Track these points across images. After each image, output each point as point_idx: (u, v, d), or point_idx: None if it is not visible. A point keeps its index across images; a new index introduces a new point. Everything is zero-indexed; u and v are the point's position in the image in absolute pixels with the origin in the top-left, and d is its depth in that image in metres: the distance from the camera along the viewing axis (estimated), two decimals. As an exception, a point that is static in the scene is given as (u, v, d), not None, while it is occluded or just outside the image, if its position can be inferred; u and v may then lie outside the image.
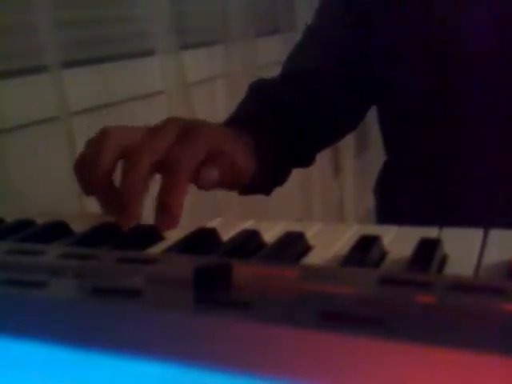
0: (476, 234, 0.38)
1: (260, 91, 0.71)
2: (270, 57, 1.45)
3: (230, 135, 0.57)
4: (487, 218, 0.64)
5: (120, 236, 0.45)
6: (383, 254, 0.38)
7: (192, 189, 0.52)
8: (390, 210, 0.77)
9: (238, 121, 0.65)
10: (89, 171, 0.48)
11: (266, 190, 0.69)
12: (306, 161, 0.73)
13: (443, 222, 0.41)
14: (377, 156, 0.81)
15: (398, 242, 0.39)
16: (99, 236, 0.44)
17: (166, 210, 0.46)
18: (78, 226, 0.48)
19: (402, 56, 0.67)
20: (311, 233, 0.42)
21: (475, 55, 0.62)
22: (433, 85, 0.65)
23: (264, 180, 0.65)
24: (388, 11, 0.67)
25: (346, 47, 0.72)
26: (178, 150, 0.48)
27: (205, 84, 1.25)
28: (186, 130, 0.51)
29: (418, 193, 0.71)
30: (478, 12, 0.62)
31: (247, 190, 0.66)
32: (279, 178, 0.70)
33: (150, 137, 0.49)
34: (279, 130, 0.66)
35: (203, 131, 0.52)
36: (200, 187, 0.50)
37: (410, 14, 0.66)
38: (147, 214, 0.50)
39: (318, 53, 0.73)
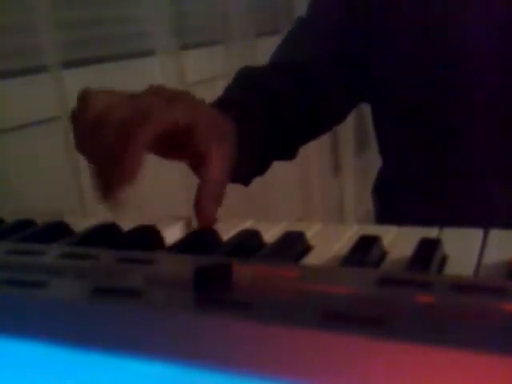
0: (476, 233, 0.38)
1: (247, 78, 0.69)
2: (269, 57, 1.45)
3: (213, 112, 0.53)
4: (487, 218, 0.64)
5: (120, 236, 0.45)
6: (383, 254, 0.38)
7: (192, 189, 0.52)
8: (389, 212, 0.77)
9: (223, 106, 0.61)
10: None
11: (245, 180, 0.66)
12: (289, 153, 0.71)
13: (443, 222, 0.41)
14: (377, 156, 0.81)
15: (398, 241, 0.39)
16: (99, 236, 0.44)
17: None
18: (78, 226, 0.48)
19: (402, 57, 0.67)
20: (311, 233, 0.42)
21: (475, 56, 0.62)
22: (432, 85, 0.65)
23: (245, 169, 0.61)
24: (388, 12, 0.67)
25: (340, 41, 0.71)
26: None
27: (205, 84, 1.25)
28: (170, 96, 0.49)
29: (417, 194, 0.71)
30: (478, 11, 0.62)
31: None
32: (260, 169, 0.67)
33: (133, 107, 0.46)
34: (265, 119, 0.64)
35: (187, 99, 0.50)
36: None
37: (409, 14, 0.66)
38: (146, 211, 0.50)
39: (311, 44, 0.72)
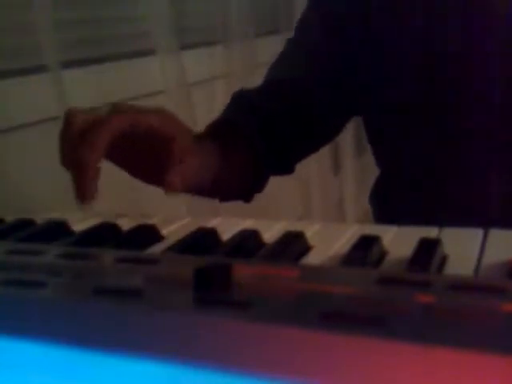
0: (476, 233, 0.38)
1: (242, 100, 0.72)
2: (269, 57, 1.45)
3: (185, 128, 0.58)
4: (487, 217, 0.64)
5: (120, 236, 0.45)
6: (383, 254, 0.38)
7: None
8: (387, 217, 0.76)
9: (213, 129, 0.66)
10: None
11: (246, 197, 0.71)
12: (287, 168, 0.74)
13: (442, 223, 0.41)
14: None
15: (398, 241, 0.39)
16: (99, 236, 0.44)
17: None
18: (78, 226, 0.48)
19: (398, 67, 0.67)
20: (311, 232, 0.42)
21: (475, 66, 0.62)
22: (433, 89, 0.65)
23: (240, 187, 0.68)
24: (382, 21, 0.67)
25: (325, 58, 0.73)
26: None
27: (205, 84, 1.25)
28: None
29: (415, 200, 0.71)
30: (478, 30, 0.62)
31: (226, 196, 0.69)
32: (257, 185, 0.71)
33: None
34: (259, 139, 0.67)
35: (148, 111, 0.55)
36: (167, 191, 0.52)
37: (407, 25, 0.65)
38: (149, 212, 0.51)
39: (298, 64, 0.74)
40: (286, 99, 0.72)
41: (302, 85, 0.73)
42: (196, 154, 0.58)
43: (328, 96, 0.73)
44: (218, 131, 0.66)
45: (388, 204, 0.76)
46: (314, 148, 0.78)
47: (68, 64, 0.92)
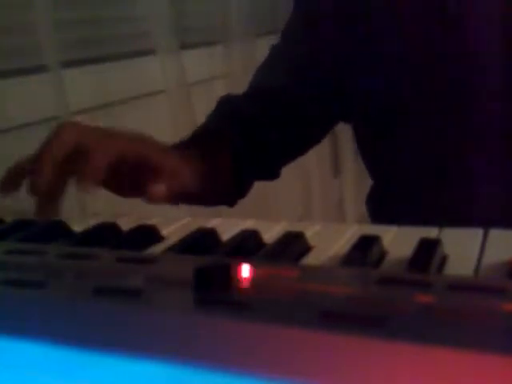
0: (476, 233, 0.38)
1: (227, 106, 0.72)
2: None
3: (164, 151, 0.59)
4: (487, 217, 0.64)
5: (120, 236, 0.45)
6: (383, 254, 0.38)
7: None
8: (384, 218, 0.76)
9: (196, 135, 0.67)
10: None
11: (229, 203, 0.71)
12: (270, 175, 0.74)
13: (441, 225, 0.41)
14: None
15: (398, 241, 0.39)
16: (99, 236, 0.44)
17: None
18: (78, 226, 0.48)
19: (398, 67, 0.67)
20: (311, 233, 0.42)
21: (475, 66, 0.62)
22: (433, 92, 0.65)
23: (223, 193, 0.68)
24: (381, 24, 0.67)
25: (309, 66, 0.73)
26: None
27: (205, 84, 1.25)
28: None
29: (415, 200, 0.71)
30: (478, 22, 0.61)
31: (209, 202, 0.69)
32: (240, 191, 0.71)
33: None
34: (241, 144, 0.68)
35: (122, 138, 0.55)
36: (150, 202, 0.53)
37: (407, 26, 0.65)
38: (147, 213, 0.50)
39: (283, 71, 0.75)
40: (271, 105, 0.72)
41: (289, 91, 0.73)
42: (180, 171, 0.59)
43: (311, 102, 0.73)
44: (202, 137, 0.66)
45: (385, 210, 0.76)
46: (299, 153, 0.79)
47: (68, 64, 0.92)
